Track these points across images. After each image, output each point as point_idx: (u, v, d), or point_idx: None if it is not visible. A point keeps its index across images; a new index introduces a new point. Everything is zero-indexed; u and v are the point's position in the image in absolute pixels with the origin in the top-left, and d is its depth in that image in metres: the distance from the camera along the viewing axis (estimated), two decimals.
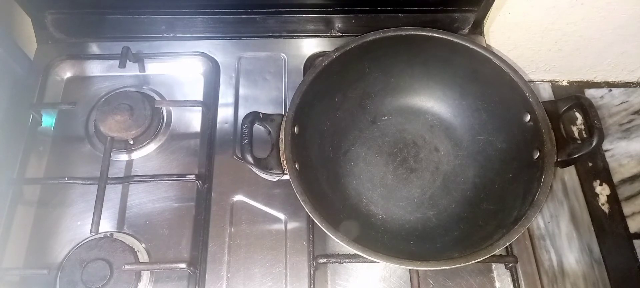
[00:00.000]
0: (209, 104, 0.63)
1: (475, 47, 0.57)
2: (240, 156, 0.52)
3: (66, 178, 0.56)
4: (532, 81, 0.87)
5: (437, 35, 0.58)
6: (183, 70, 0.67)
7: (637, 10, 0.71)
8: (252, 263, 0.54)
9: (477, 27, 0.68)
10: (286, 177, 0.50)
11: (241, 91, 0.65)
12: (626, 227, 0.69)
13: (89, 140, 0.61)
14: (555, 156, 0.52)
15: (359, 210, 0.58)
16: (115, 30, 0.67)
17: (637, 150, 0.77)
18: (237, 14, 0.67)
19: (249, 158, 0.51)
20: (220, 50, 0.67)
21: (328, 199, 0.55)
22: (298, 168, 0.50)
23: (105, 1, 0.65)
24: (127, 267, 0.51)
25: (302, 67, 0.66)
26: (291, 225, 0.56)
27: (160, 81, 0.66)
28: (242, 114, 0.62)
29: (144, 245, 0.55)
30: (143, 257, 0.54)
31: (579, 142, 0.53)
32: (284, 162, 0.51)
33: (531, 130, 0.54)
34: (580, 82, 0.88)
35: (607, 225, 0.68)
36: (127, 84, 0.65)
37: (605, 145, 0.77)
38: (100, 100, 0.63)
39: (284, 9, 0.66)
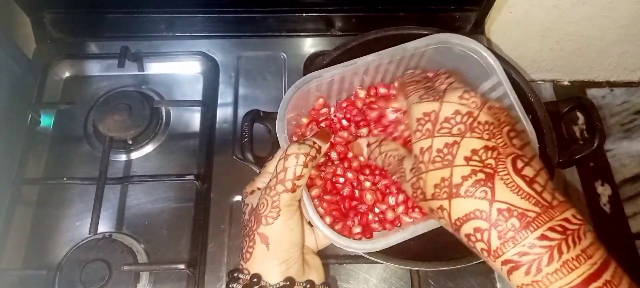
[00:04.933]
0: (208, 104, 0.63)
1: None
2: (240, 156, 0.51)
3: (65, 179, 0.56)
4: (533, 81, 0.87)
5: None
6: (182, 69, 0.66)
7: (638, 9, 0.70)
8: None
9: (479, 26, 0.68)
10: None
11: (241, 91, 0.64)
12: (628, 227, 0.68)
13: (88, 140, 0.61)
14: (557, 157, 0.51)
15: None
16: (114, 29, 0.67)
17: (639, 150, 0.77)
18: (236, 13, 0.66)
19: (250, 157, 0.51)
20: (219, 49, 0.67)
21: None
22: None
23: (104, 0, 0.64)
24: (126, 267, 0.50)
25: (302, 66, 0.66)
26: None
27: (159, 81, 0.66)
28: (241, 113, 0.61)
29: (142, 245, 0.54)
30: (142, 257, 0.53)
31: (581, 142, 0.53)
32: None
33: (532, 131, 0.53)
34: (582, 81, 0.88)
35: (608, 226, 0.68)
36: (125, 84, 0.65)
37: (607, 145, 0.77)
38: (99, 100, 0.62)
39: (284, 8, 0.66)
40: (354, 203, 0.41)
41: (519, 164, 0.28)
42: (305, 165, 0.34)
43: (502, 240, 0.27)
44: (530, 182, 0.28)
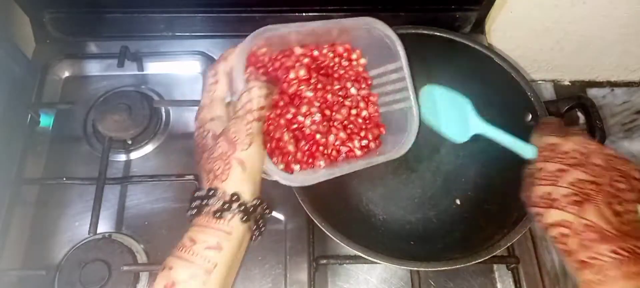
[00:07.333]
0: None
1: (476, 46, 0.57)
2: None
3: (64, 179, 0.56)
4: (534, 80, 0.87)
5: (438, 33, 0.57)
6: (182, 69, 0.66)
7: (638, 9, 0.70)
8: (251, 264, 0.53)
9: (479, 26, 0.67)
10: None
11: None
12: None
13: (87, 140, 0.61)
14: None
15: (359, 210, 0.58)
16: (113, 29, 0.67)
17: (639, 150, 0.77)
18: (236, 13, 0.66)
19: None
20: (219, 49, 0.67)
21: (328, 199, 0.55)
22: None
23: (104, 0, 0.64)
24: (125, 268, 0.50)
25: None
26: (291, 225, 0.55)
27: (159, 80, 0.66)
28: None
29: (142, 246, 0.54)
30: (141, 257, 0.53)
31: None
32: None
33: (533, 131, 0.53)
34: (583, 81, 0.88)
35: None
36: (125, 84, 0.65)
37: (607, 145, 0.76)
38: (98, 100, 0.62)
39: (284, 8, 0.66)
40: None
41: (612, 200, 0.35)
42: (266, 97, 0.40)
43: (579, 246, 0.35)
44: (615, 214, 0.35)
